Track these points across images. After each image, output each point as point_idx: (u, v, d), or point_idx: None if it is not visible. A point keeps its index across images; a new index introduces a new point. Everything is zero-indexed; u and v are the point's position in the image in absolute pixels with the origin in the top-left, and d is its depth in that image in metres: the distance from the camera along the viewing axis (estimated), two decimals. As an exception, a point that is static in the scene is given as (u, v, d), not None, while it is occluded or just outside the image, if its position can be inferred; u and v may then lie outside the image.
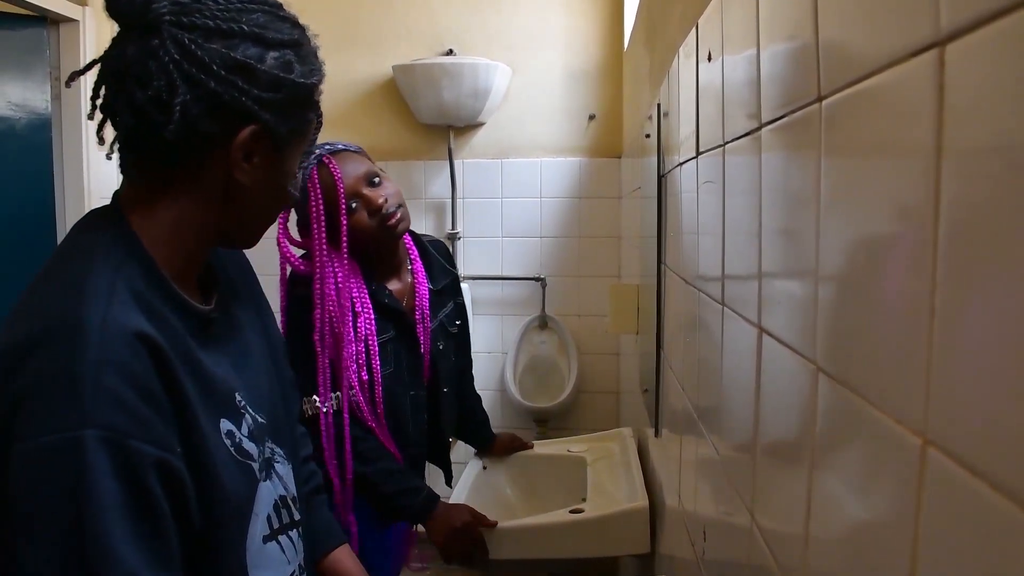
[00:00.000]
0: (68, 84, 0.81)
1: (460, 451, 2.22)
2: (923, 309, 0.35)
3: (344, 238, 1.47)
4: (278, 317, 1.45)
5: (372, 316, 1.51)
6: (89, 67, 0.77)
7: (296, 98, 0.78)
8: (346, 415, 1.47)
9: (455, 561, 1.54)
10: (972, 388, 0.31)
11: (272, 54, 0.75)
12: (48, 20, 2.73)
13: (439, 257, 1.73)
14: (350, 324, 1.48)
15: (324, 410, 1.46)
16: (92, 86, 0.76)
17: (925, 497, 0.35)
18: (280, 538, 0.85)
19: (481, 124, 3.06)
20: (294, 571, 0.88)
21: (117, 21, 0.73)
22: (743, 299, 0.73)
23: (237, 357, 0.84)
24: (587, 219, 3.04)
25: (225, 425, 0.77)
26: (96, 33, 2.81)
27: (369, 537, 1.52)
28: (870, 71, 0.41)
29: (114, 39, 0.74)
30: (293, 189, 0.85)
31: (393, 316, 1.56)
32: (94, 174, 2.81)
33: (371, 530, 1.53)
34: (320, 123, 0.87)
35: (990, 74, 0.30)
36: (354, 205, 1.48)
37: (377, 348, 1.51)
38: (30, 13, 2.66)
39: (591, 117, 3.04)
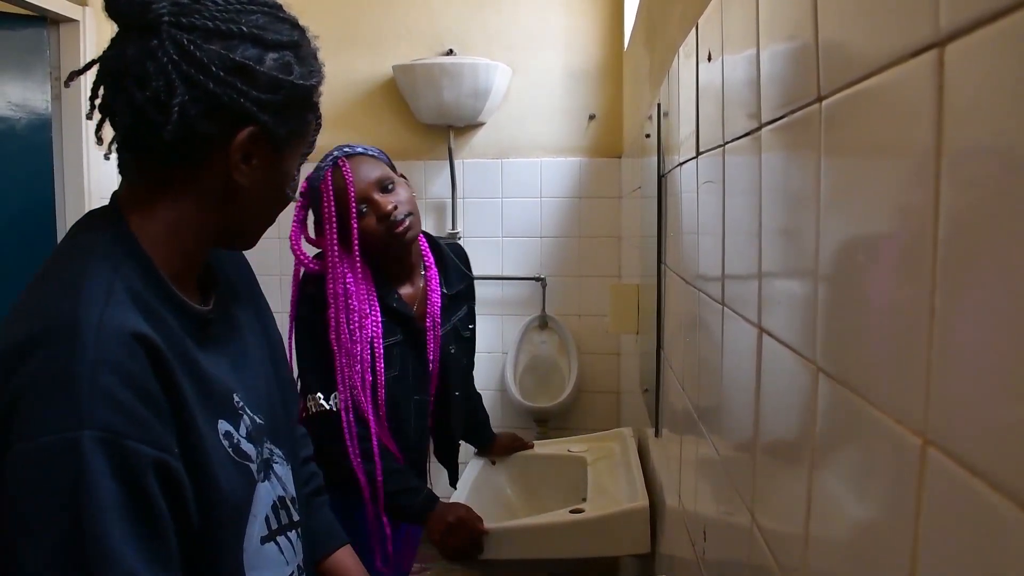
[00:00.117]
0: (67, 84, 0.81)
1: (460, 451, 2.22)
2: (923, 309, 0.35)
3: (355, 241, 1.48)
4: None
5: (379, 319, 1.52)
6: (88, 67, 0.77)
7: (295, 99, 0.78)
8: (350, 415, 1.48)
9: (452, 557, 1.55)
10: (972, 388, 0.31)
11: (271, 55, 0.75)
12: (48, 20, 2.73)
13: (456, 261, 1.73)
14: (356, 325, 1.48)
15: (330, 408, 1.48)
16: (91, 86, 0.76)
17: (925, 497, 0.35)
18: (279, 539, 0.85)
19: (481, 124, 3.06)
20: (293, 572, 0.88)
21: (116, 21, 0.73)
22: (743, 299, 0.73)
23: (236, 358, 0.84)
24: (587, 219, 3.04)
25: (223, 426, 0.77)
26: (96, 33, 2.81)
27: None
28: (870, 71, 0.41)
29: (113, 39, 0.74)
30: (291, 191, 0.85)
31: (401, 320, 1.57)
32: (94, 174, 2.81)
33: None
34: (319, 124, 0.87)
35: (990, 74, 0.30)
36: (364, 209, 1.49)
37: (382, 351, 1.52)
38: (30, 13, 2.67)
39: (591, 117, 3.04)
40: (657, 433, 1.50)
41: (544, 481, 2.00)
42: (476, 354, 1.86)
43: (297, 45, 0.78)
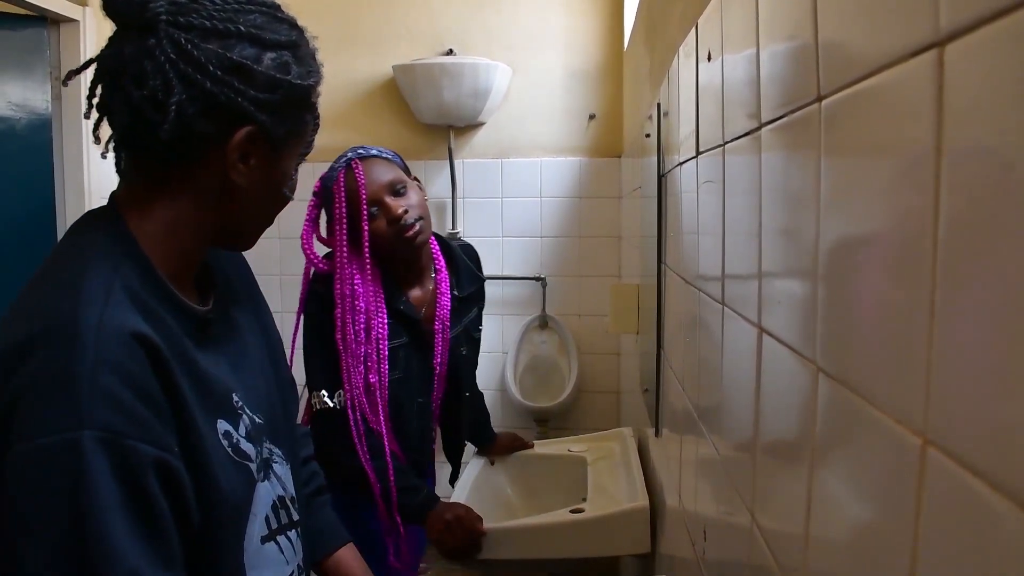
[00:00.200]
0: (65, 83, 0.81)
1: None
2: (923, 309, 0.35)
3: (365, 243, 1.49)
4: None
5: (386, 320, 1.53)
6: (86, 66, 0.77)
7: (293, 99, 0.78)
8: (356, 413, 1.50)
9: (450, 556, 1.55)
10: (972, 388, 0.31)
11: (269, 55, 0.75)
12: (48, 20, 2.73)
13: (468, 263, 1.75)
14: (362, 326, 1.50)
15: (333, 405, 1.49)
16: (89, 85, 0.76)
17: (925, 497, 0.35)
18: (278, 538, 0.85)
19: (481, 124, 3.06)
20: (293, 571, 0.88)
21: (114, 20, 0.73)
22: (743, 299, 0.73)
23: (235, 358, 0.84)
24: (587, 219, 3.04)
25: (222, 426, 0.77)
26: (96, 33, 2.81)
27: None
28: (870, 71, 0.41)
29: (111, 38, 0.74)
30: (290, 191, 0.85)
31: (407, 323, 1.58)
32: (94, 174, 2.81)
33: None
34: (317, 125, 0.86)
35: (989, 74, 0.30)
36: (375, 211, 1.50)
37: (387, 352, 1.52)
38: (30, 13, 2.67)
39: (591, 117, 3.04)
40: (657, 433, 1.50)
41: (544, 481, 2.00)
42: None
43: (295, 45, 0.78)
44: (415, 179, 1.62)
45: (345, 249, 1.50)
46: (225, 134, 0.74)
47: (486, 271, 1.83)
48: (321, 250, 1.57)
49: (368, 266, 1.51)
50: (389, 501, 1.51)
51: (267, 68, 0.74)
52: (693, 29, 1.02)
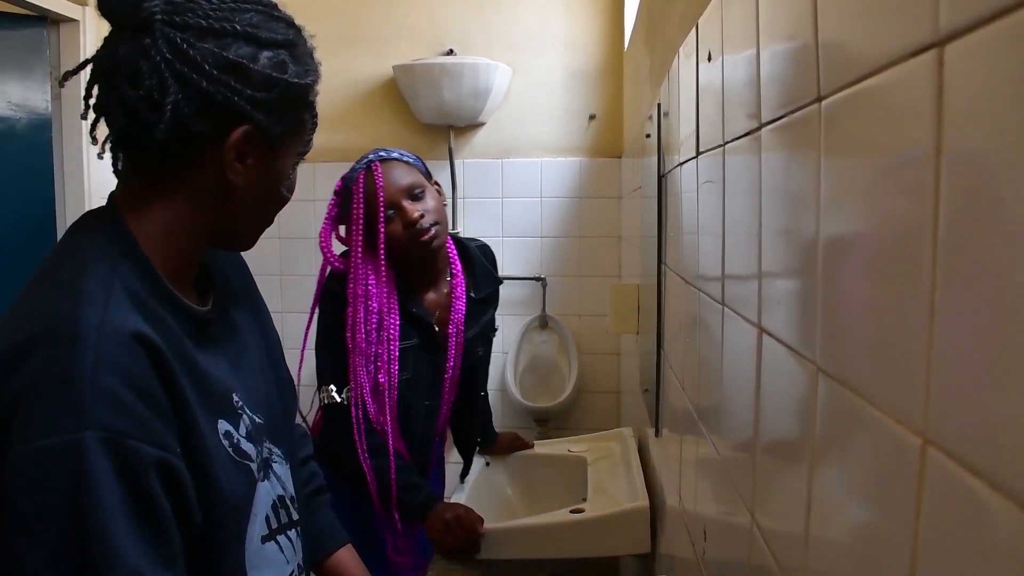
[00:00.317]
0: (62, 84, 0.81)
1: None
2: (923, 309, 0.35)
3: (381, 245, 1.51)
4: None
5: (397, 321, 1.55)
6: (82, 66, 0.77)
7: (290, 98, 0.78)
8: (359, 411, 1.51)
9: (449, 556, 1.55)
10: (972, 388, 0.31)
11: (266, 54, 0.75)
12: (48, 20, 2.73)
13: (485, 264, 1.76)
14: (373, 326, 1.51)
15: (341, 400, 1.52)
16: (85, 85, 0.76)
17: (925, 497, 0.35)
18: (279, 538, 0.85)
19: (481, 124, 3.06)
20: (293, 571, 0.88)
21: (109, 20, 0.73)
22: (743, 299, 0.73)
23: (234, 358, 0.84)
24: (587, 219, 3.04)
25: (223, 426, 0.77)
26: (96, 33, 2.81)
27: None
28: (870, 71, 0.41)
29: (106, 38, 0.74)
30: (288, 190, 0.84)
31: (419, 325, 1.60)
32: (94, 174, 2.81)
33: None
34: (315, 124, 0.86)
35: (989, 74, 0.30)
36: (391, 214, 1.53)
37: (398, 353, 1.54)
38: (30, 13, 2.67)
39: (591, 117, 3.04)
40: (657, 433, 1.50)
41: (544, 481, 2.00)
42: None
43: (292, 44, 0.78)
44: (435, 184, 1.64)
45: (360, 249, 1.52)
46: (221, 133, 0.74)
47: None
48: (338, 248, 1.59)
49: (383, 267, 1.53)
50: (387, 499, 1.52)
51: (263, 67, 0.74)
52: (693, 29, 1.02)
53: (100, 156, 0.78)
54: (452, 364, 1.66)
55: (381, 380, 1.52)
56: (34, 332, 0.65)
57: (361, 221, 1.52)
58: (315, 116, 0.85)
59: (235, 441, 0.78)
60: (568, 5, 3.02)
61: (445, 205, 1.62)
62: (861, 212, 0.44)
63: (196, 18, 0.71)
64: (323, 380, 1.55)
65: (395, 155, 1.57)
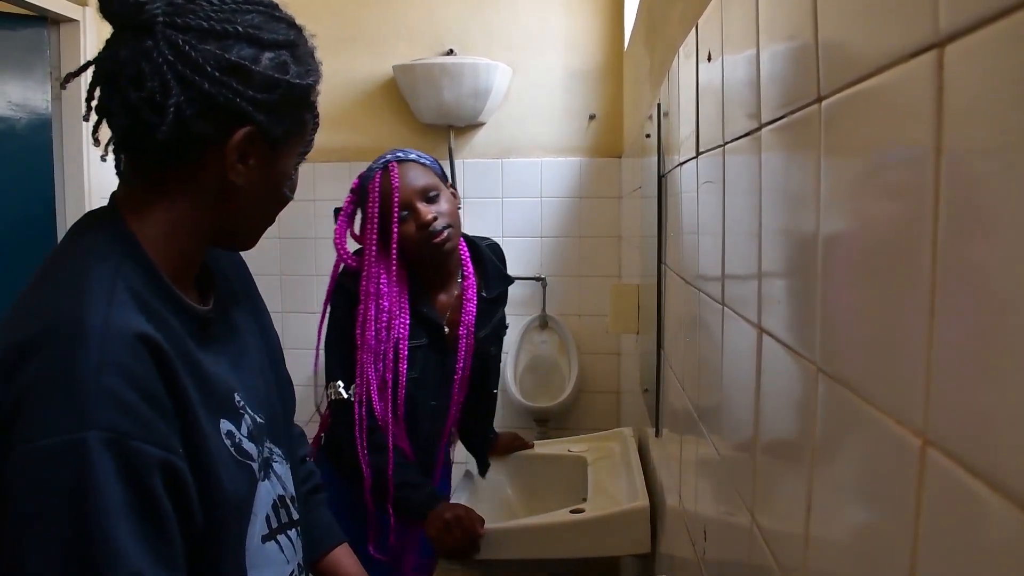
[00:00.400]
0: (63, 85, 0.81)
1: (461, 451, 2.23)
2: (923, 309, 0.35)
3: (394, 244, 1.53)
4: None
5: (407, 321, 1.56)
6: (84, 68, 0.77)
7: (291, 99, 0.78)
8: (363, 408, 1.53)
9: (447, 555, 1.55)
10: (972, 388, 0.31)
11: (267, 55, 0.75)
12: (48, 20, 2.73)
13: (496, 263, 1.79)
14: (384, 325, 1.53)
15: (348, 396, 1.54)
16: (87, 87, 0.76)
17: (925, 497, 0.35)
18: (279, 538, 0.85)
19: (481, 124, 3.06)
20: (293, 571, 0.88)
21: (111, 22, 0.73)
22: (743, 299, 0.73)
23: (235, 358, 0.84)
24: (587, 219, 3.04)
25: (225, 425, 0.77)
26: (96, 33, 2.81)
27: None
28: (870, 72, 0.41)
29: (108, 40, 0.74)
30: (289, 191, 0.85)
31: (428, 326, 1.61)
32: (94, 174, 2.81)
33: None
34: (317, 124, 0.86)
35: (989, 75, 0.30)
36: (405, 215, 1.55)
37: (407, 352, 1.56)
38: (30, 13, 2.66)
39: (591, 117, 3.03)
40: (657, 433, 1.50)
41: (544, 481, 2.00)
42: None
43: (293, 44, 0.78)
44: (451, 187, 1.66)
45: (374, 248, 1.54)
46: (223, 135, 0.74)
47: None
48: (351, 246, 1.61)
49: (395, 266, 1.55)
50: (382, 496, 1.52)
51: (265, 68, 0.74)
52: (693, 29, 1.02)
53: (103, 158, 0.79)
54: (462, 365, 1.68)
55: (389, 378, 1.54)
56: (37, 332, 0.65)
57: (376, 219, 1.54)
58: (316, 116, 0.85)
59: (237, 441, 0.78)
60: (568, 5, 3.02)
61: (459, 208, 1.64)
62: (861, 212, 0.44)
63: (198, 20, 0.71)
64: (331, 376, 1.57)
65: (413, 156, 1.59)
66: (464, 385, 1.71)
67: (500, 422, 2.98)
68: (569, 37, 3.03)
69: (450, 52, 3.01)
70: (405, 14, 3.08)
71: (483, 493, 1.87)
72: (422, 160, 1.60)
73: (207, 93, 0.71)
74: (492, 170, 3.08)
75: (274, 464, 0.87)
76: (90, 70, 0.75)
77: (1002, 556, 0.29)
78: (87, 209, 0.80)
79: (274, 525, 0.85)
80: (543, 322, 3.08)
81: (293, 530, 0.89)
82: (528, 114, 3.06)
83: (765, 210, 0.65)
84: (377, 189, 1.54)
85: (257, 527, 0.81)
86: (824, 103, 0.49)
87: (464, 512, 1.54)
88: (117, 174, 0.78)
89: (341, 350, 1.56)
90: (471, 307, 1.68)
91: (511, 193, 3.08)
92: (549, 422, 2.98)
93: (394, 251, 1.54)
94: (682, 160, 1.14)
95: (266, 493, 0.83)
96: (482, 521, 1.54)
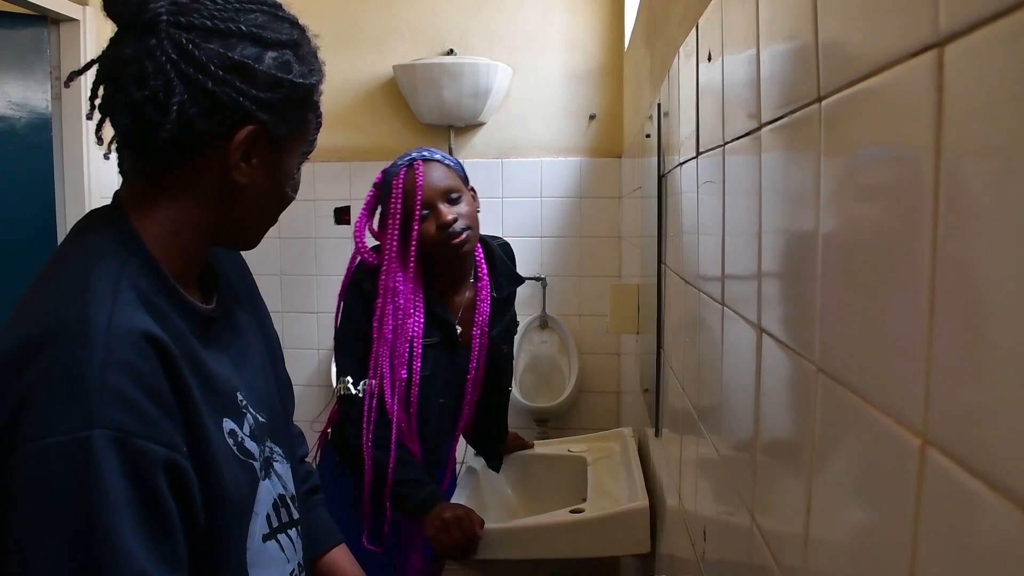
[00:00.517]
0: (67, 84, 0.81)
1: (461, 450, 2.23)
2: (922, 309, 0.35)
3: (413, 242, 1.55)
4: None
5: (422, 319, 1.58)
6: (87, 67, 0.77)
7: (294, 98, 0.78)
8: (373, 401, 1.54)
9: (445, 555, 1.55)
10: (971, 388, 0.31)
11: (270, 54, 0.75)
12: (48, 20, 2.73)
13: (507, 263, 1.80)
14: (399, 320, 1.55)
15: (356, 392, 1.55)
16: (91, 86, 0.76)
17: (925, 497, 0.35)
18: (279, 537, 0.85)
19: (482, 124, 3.06)
20: (293, 570, 0.89)
21: (114, 21, 0.73)
22: (743, 299, 0.73)
23: (237, 357, 0.84)
24: (587, 219, 3.04)
25: (228, 424, 0.77)
26: (97, 33, 2.81)
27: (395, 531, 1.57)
28: (869, 71, 0.41)
29: (112, 39, 0.74)
30: (292, 190, 0.85)
31: (441, 325, 1.63)
32: (94, 174, 2.81)
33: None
34: (319, 123, 0.86)
35: (989, 75, 0.30)
36: (426, 214, 1.56)
37: (421, 350, 1.57)
38: (30, 13, 2.66)
39: (591, 117, 3.03)
40: (657, 433, 1.50)
41: (544, 481, 2.00)
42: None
43: (296, 44, 0.78)
44: (471, 190, 1.67)
45: (395, 244, 1.55)
46: (227, 134, 0.74)
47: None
48: (368, 242, 1.62)
49: (412, 264, 1.56)
50: (381, 491, 1.53)
51: (268, 67, 0.74)
52: (693, 29, 1.02)
53: (106, 157, 0.79)
54: (475, 365, 1.69)
55: (402, 375, 1.55)
56: (42, 330, 0.65)
57: (399, 216, 1.55)
58: (319, 116, 0.86)
59: (239, 440, 0.78)
60: (568, 5, 3.02)
61: (479, 212, 1.65)
62: (861, 212, 0.44)
63: (201, 19, 0.71)
64: (341, 372, 1.59)
65: (437, 156, 1.61)
66: (478, 385, 1.72)
67: (500, 422, 2.99)
68: (569, 37, 3.03)
69: (450, 52, 3.01)
70: (406, 14, 3.08)
71: (483, 493, 1.87)
72: (447, 161, 1.62)
73: (210, 92, 0.71)
74: (492, 170, 3.08)
75: (275, 463, 0.87)
76: (93, 69, 0.76)
77: (1002, 556, 0.29)
78: (87, 209, 0.80)
79: (275, 524, 0.85)
80: (543, 322, 3.08)
81: (293, 529, 0.89)
82: (528, 114, 3.06)
83: (765, 210, 0.65)
84: (401, 186, 1.56)
85: (258, 526, 0.81)
86: (824, 103, 0.49)
87: (464, 512, 1.54)
88: (120, 173, 0.78)
89: (352, 347, 1.58)
90: (485, 307, 1.69)
91: (511, 193, 3.08)
92: (549, 422, 2.98)
93: (413, 249, 1.55)
94: (682, 160, 1.14)
95: (267, 492, 0.83)
96: (482, 523, 1.54)
